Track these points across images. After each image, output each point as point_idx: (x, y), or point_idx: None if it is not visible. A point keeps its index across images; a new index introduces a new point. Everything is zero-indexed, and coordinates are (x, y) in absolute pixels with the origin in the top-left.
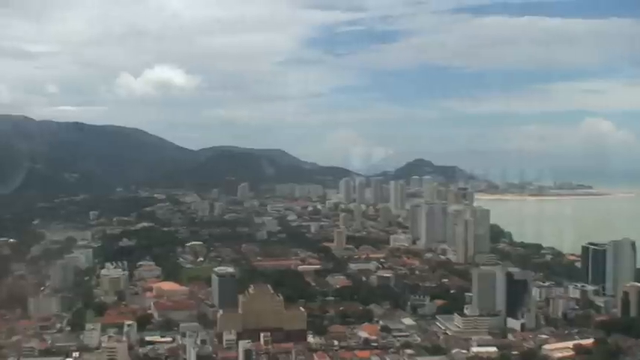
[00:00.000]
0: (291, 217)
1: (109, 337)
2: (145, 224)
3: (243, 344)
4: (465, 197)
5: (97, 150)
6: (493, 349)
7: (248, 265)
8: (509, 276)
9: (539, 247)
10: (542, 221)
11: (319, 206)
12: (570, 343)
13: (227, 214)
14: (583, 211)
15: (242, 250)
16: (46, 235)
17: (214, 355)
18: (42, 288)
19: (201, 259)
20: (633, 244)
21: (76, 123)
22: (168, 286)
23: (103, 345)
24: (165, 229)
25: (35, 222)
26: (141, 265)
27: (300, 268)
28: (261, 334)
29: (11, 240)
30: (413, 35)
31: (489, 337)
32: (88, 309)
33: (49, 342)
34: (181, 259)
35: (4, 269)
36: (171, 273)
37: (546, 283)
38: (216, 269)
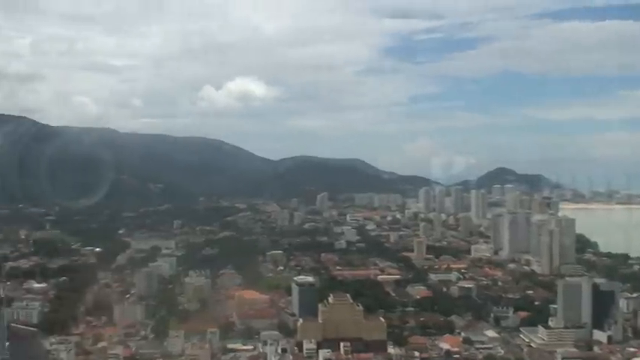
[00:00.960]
0: (371, 226)
1: (192, 344)
2: (227, 233)
3: (323, 353)
4: (550, 206)
5: (180, 161)
6: None
7: (327, 274)
8: (595, 287)
9: (626, 257)
10: (630, 231)
11: (398, 216)
12: None
13: (306, 224)
14: None
15: (321, 260)
16: (131, 244)
17: None
18: (127, 296)
19: (282, 267)
20: None
21: (160, 135)
22: (249, 294)
23: (187, 352)
24: (247, 238)
25: (120, 231)
26: (223, 274)
27: (380, 277)
28: (341, 344)
29: (97, 249)
30: (493, 41)
31: (575, 350)
32: (172, 316)
33: (134, 349)
34: (262, 268)
35: (90, 277)
36: (253, 281)
37: (634, 295)
38: (296, 278)
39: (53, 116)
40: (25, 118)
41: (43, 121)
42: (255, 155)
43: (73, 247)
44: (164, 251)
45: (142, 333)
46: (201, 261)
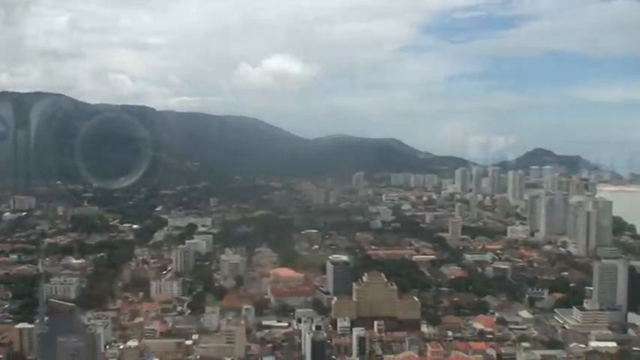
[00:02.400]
0: (406, 206)
1: (228, 320)
2: (263, 212)
3: (357, 331)
4: (587, 188)
5: (216, 139)
6: (613, 344)
7: (362, 253)
8: (631, 270)
9: None
10: None
11: (434, 196)
12: None
13: (342, 203)
14: None
15: (356, 239)
16: (168, 222)
17: (329, 341)
18: (164, 272)
19: (317, 246)
20: None
21: (197, 113)
22: (284, 272)
23: (222, 328)
24: (282, 216)
25: (158, 209)
26: (259, 252)
27: (415, 257)
28: (375, 322)
29: (135, 226)
30: (535, 20)
31: (609, 332)
32: (208, 293)
33: (170, 324)
34: (297, 247)
35: (127, 254)
36: (288, 260)
37: None
38: (331, 257)
39: (91, 94)
40: (63, 95)
41: (81, 99)
42: (292, 134)
43: (110, 223)
44: (200, 228)
45: (179, 309)
46: (237, 239)
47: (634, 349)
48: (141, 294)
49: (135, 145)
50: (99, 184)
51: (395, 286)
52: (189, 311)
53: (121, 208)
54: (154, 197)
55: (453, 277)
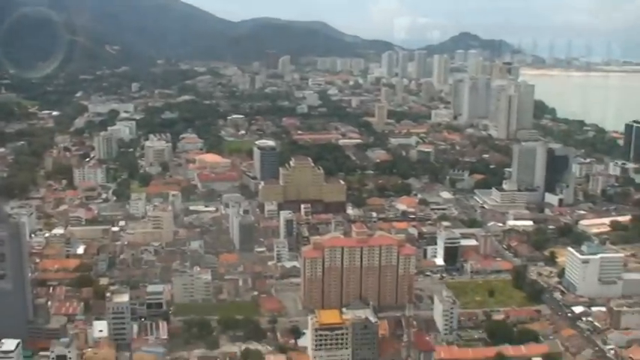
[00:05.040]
0: (332, 91)
1: (155, 206)
2: (187, 97)
3: (285, 214)
4: (510, 72)
5: (136, 22)
6: (529, 223)
7: (289, 138)
8: (550, 152)
9: (582, 123)
10: (587, 97)
11: (361, 80)
12: (607, 220)
13: (268, 88)
14: (629, 88)
15: (283, 124)
16: (89, 108)
17: (256, 225)
18: (87, 159)
19: (243, 132)
20: None
21: None
22: (210, 158)
23: (149, 214)
24: (207, 102)
25: (78, 95)
26: (183, 138)
27: (341, 142)
28: (302, 206)
29: (55, 113)
30: None
31: (526, 212)
32: (133, 179)
33: (95, 211)
34: (223, 132)
35: (49, 142)
36: (214, 145)
37: (587, 160)
38: (257, 142)
39: None
40: None
41: None
42: (214, 16)
43: (29, 111)
44: (123, 115)
45: (104, 196)
46: (161, 125)
47: (549, 227)
48: (64, 182)
49: (51, 29)
50: (15, 70)
51: (321, 170)
52: (114, 198)
53: (40, 95)
54: (73, 83)
55: (378, 160)
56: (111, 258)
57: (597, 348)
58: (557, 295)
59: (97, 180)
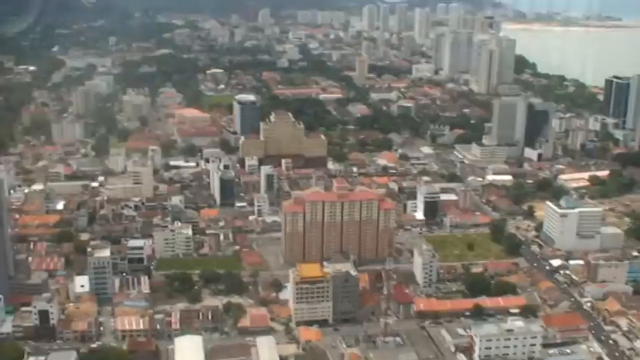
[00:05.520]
0: (313, 44)
1: (134, 161)
2: (165, 51)
3: (265, 169)
4: (492, 26)
5: None
6: (508, 177)
7: (269, 93)
8: (530, 107)
9: (562, 78)
10: (568, 53)
11: (341, 34)
12: (586, 174)
13: (247, 41)
14: (610, 43)
15: (263, 78)
16: (66, 62)
17: (237, 180)
18: (65, 115)
19: (222, 86)
20: None
21: None
22: (190, 112)
23: (128, 169)
24: (185, 56)
25: (54, 49)
26: (162, 92)
27: (322, 96)
28: (283, 160)
29: (32, 67)
30: None
31: (505, 166)
32: (112, 134)
33: (75, 167)
34: (202, 87)
35: (26, 97)
36: (193, 100)
37: (567, 115)
38: (237, 97)
39: None
40: None
41: None
42: None
43: (5, 66)
44: (100, 69)
45: (82, 151)
46: (139, 79)
47: (528, 181)
48: (42, 137)
49: None
50: None
51: (302, 125)
52: (93, 154)
53: (16, 50)
54: (50, 37)
55: (358, 115)
56: (91, 213)
57: (574, 300)
58: (535, 248)
59: (75, 135)
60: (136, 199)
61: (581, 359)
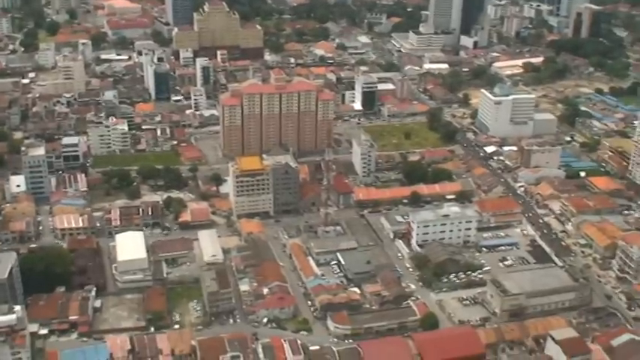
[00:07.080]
0: None
1: (64, 56)
2: None
3: (201, 61)
4: None
5: None
6: (445, 65)
7: None
8: None
9: None
10: None
11: None
12: (520, 61)
13: None
14: None
15: None
16: None
17: (172, 73)
18: None
19: None
20: None
21: None
22: (120, 3)
23: (59, 65)
24: None
25: None
26: None
27: None
28: (218, 52)
29: None
30: None
31: (442, 55)
32: (40, 29)
33: (4, 63)
34: None
35: None
36: None
37: (502, 2)
38: None
39: None
40: None
41: None
42: None
43: None
44: None
45: (11, 47)
46: None
47: (464, 69)
48: None
49: None
50: None
51: (237, 15)
52: (22, 49)
53: None
54: None
55: (295, 4)
56: (23, 111)
57: (508, 185)
58: (471, 135)
59: (2, 30)
60: (68, 94)
61: (514, 242)
